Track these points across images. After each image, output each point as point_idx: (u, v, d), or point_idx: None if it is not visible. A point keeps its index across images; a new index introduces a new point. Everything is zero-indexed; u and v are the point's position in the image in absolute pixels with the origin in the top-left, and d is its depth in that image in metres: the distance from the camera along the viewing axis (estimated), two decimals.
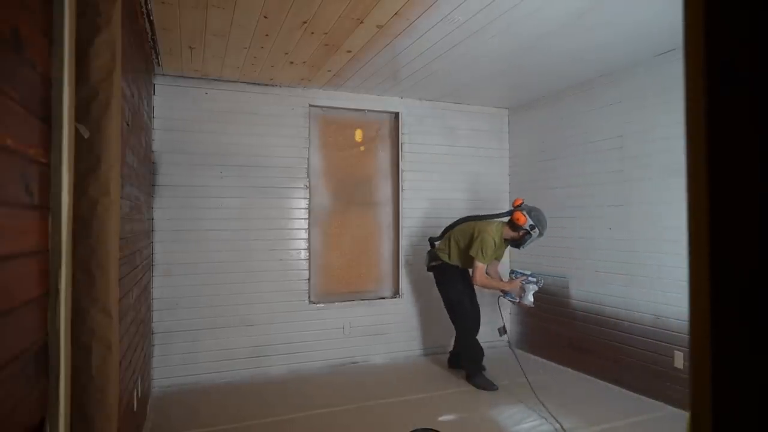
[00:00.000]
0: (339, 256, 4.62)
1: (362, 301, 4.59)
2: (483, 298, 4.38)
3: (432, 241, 4.24)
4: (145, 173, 3.21)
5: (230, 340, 4.09)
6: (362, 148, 4.78)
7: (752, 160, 0.37)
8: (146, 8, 2.70)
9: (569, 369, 4.27)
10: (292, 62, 3.68)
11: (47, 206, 1.12)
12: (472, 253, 3.74)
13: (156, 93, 3.92)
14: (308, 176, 4.41)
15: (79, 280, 1.31)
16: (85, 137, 1.33)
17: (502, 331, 3.88)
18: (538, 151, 4.77)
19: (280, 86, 4.31)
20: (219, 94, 4.13)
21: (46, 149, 1.10)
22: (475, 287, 4.00)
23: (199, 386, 3.88)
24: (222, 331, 4.07)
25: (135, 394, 2.49)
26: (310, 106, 4.45)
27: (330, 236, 4.59)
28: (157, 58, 3.54)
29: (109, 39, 1.38)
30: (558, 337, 4.43)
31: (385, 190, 4.81)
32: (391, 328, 4.64)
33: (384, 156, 4.82)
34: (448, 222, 4.88)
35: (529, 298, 3.79)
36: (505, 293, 3.88)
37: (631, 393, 3.66)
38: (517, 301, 3.84)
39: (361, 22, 2.92)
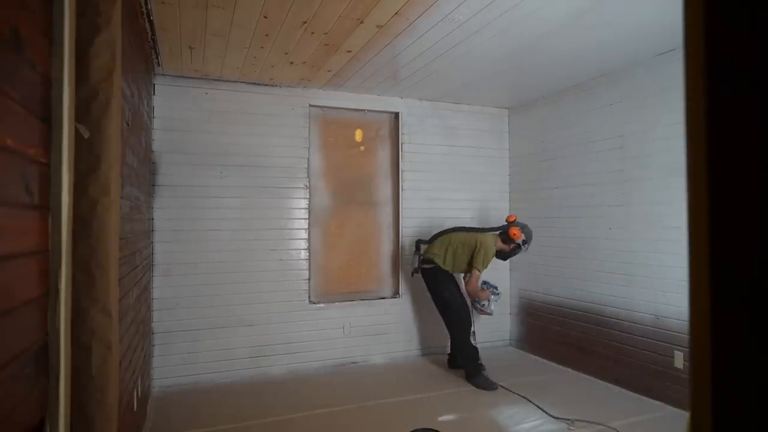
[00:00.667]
0: (339, 256, 4.62)
1: (362, 301, 4.59)
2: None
3: (419, 243, 4.32)
4: (145, 173, 3.21)
5: (230, 340, 4.09)
6: (362, 148, 4.78)
7: (752, 160, 0.37)
8: (146, 8, 2.70)
9: (569, 369, 4.27)
10: (292, 62, 3.68)
11: (47, 206, 1.12)
12: (476, 263, 3.94)
13: (156, 93, 3.92)
14: (308, 176, 4.41)
15: (79, 280, 1.31)
16: (85, 137, 1.33)
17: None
18: (538, 151, 4.77)
19: (280, 86, 4.31)
20: (219, 94, 4.13)
21: (46, 149, 1.10)
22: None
23: (199, 386, 3.88)
24: (222, 331, 4.07)
25: (135, 394, 2.49)
26: (310, 106, 4.45)
27: (330, 236, 4.59)
28: (157, 58, 3.54)
29: (109, 39, 1.38)
30: (558, 337, 4.43)
31: (385, 190, 4.81)
32: (391, 328, 4.64)
33: (384, 156, 4.82)
34: (449, 222, 4.90)
35: (492, 307, 4.16)
36: (477, 300, 4.15)
37: (631, 393, 3.66)
38: (483, 308, 4.15)
39: (361, 22, 2.92)
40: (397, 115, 4.78)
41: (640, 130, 3.70)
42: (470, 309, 4.16)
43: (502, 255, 4.13)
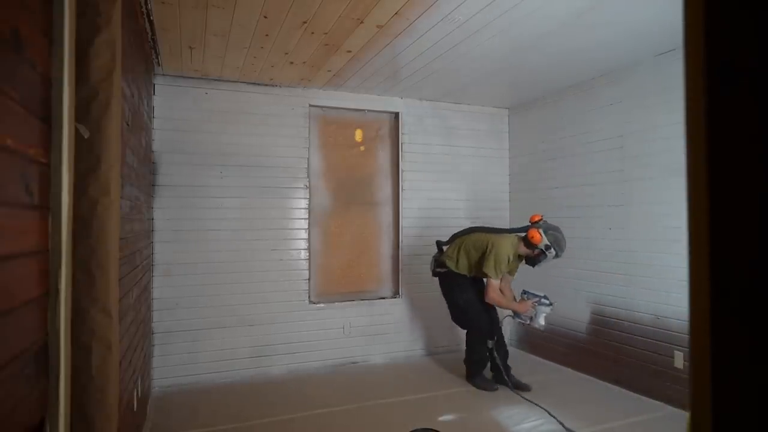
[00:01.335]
0: (339, 256, 4.62)
1: (362, 301, 4.59)
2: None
3: (440, 245, 4.03)
4: (145, 173, 3.21)
5: (230, 340, 4.09)
6: (362, 148, 4.78)
7: (752, 160, 0.37)
8: (146, 8, 2.70)
9: (569, 369, 4.27)
10: (292, 62, 3.68)
11: (47, 206, 1.12)
12: (486, 269, 3.59)
13: (156, 93, 3.92)
14: (308, 176, 4.41)
15: (79, 280, 1.31)
16: (85, 137, 1.33)
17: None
18: (538, 151, 4.77)
19: (280, 86, 4.31)
20: (219, 94, 4.13)
21: (46, 149, 1.10)
22: None
23: (200, 386, 3.88)
24: (222, 331, 4.07)
25: (135, 394, 2.49)
26: (310, 106, 4.45)
27: (330, 236, 4.59)
28: (157, 58, 3.54)
29: (109, 39, 1.38)
30: (558, 337, 4.43)
31: (385, 190, 4.81)
32: (391, 328, 4.64)
33: (384, 156, 4.82)
34: (449, 222, 4.90)
35: (540, 321, 3.63)
36: (515, 314, 3.74)
37: (631, 393, 3.66)
38: (527, 323, 3.70)
39: (361, 22, 2.92)
40: (397, 115, 4.78)
41: (640, 130, 3.70)
42: (495, 318, 3.83)
43: (529, 261, 3.68)
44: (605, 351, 3.94)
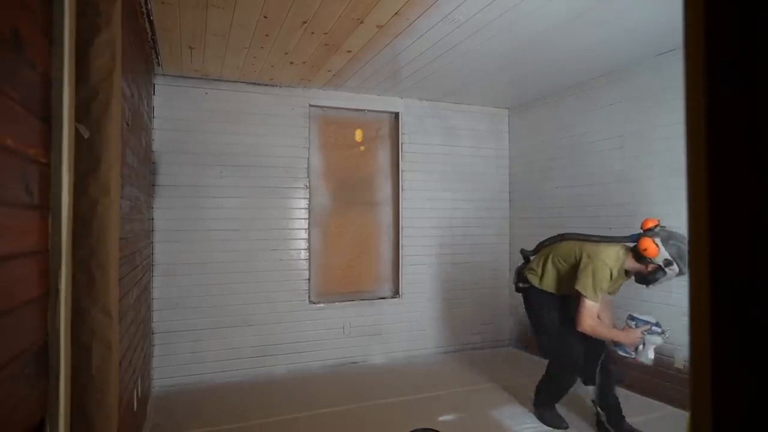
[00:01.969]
0: (339, 256, 4.62)
1: (362, 301, 4.59)
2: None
3: (525, 254, 3.33)
4: (145, 173, 3.21)
5: (231, 340, 4.09)
6: (362, 148, 4.78)
7: (752, 160, 0.37)
8: (146, 8, 2.70)
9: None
10: (292, 62, 3.68)
11: (47, 206, 1.12)
12: (579, 287, 2.81)
13: (156, 93, 3.92)
14: (308, 176, 4.41)
15: (79, 280, 1.31)
16: (85, 137, 1.33)
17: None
18: (538, 151, 4.77)
19: (280, 86, 4.31)
20: (219, 94, 4.13)
21: (46, 149, 1.10)
22: None
23: (200, 386, 3.88)
24: (222, 331, 4.07)
25: (135, 394, 2.49)
26: (310, 106, 4.45)
27: (330, 236, 4.59)
28: (157, 58, 3.54)
29: (109, 39, 1.38)
30: None
31: (385, 190, 4.81)
32: (391, 328, 4.64)
33: (384, 156, 4.82)
34: (449, 222, 4.90)
35: (649, 355, 2.81)
36: (617, 344, 2.90)
37: (631, 393, 3.66)
38: (632, 356, 2.88)
39: (361, 22, 2.92)
40: (397, 115, 4.78)
41: (640, 130, 3.70)
42: (596, 352, 2.99)
43: (640, 278, 2.81)
44: None
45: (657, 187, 3.56)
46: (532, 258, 3.30)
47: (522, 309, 5.00)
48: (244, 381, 4.01)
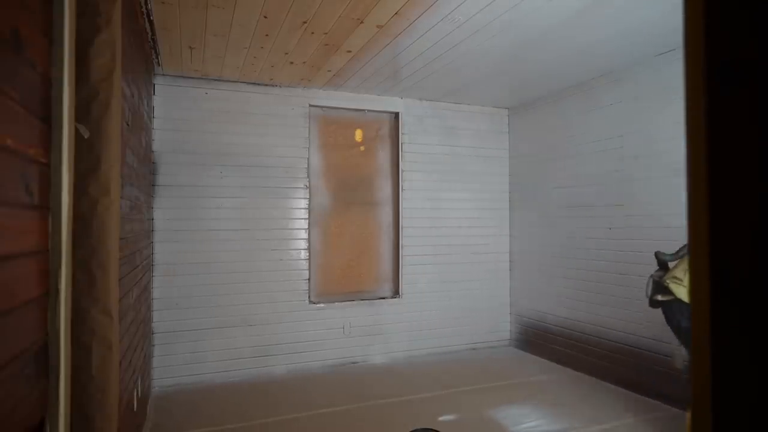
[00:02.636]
0: (339, 256, 4.62)
1: (362, 301, 4.59)
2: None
3: (662, 259, 2.78)
4: (145, 173, 3.21)
5: (231, 340, 4.09)
6: (362, 148, 4.78)
7: (752, 160, 0.37)
8: (146, 8, 2.70)
9: (569, 369, 4.27)
10: (292, 62, 3.68)
11: (47, 206, 1.12)
12: None
13: (156, 93, 3.92)
14: (308, 176, 4.41)
15: (79, 280, 1.31)
16: (85, 137, 1.33)
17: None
18: (538, 151, 4.77)
19: (280, 86, 4.31)
20: (219, 94, 4.13)
21: (46, 149, 1.10)
22: None
23: (200, 386, 3.88)
24: (222, 330, 4.07)
25: (135, 394, 2.49)
26: (310, 106, 4.45)
27: (330, 236, 4.59)
28: (157, 58, 3.54)
29: (109, 39, 1.38)
30: (558, 336, 4.43)
31: (385, 190, 4.81)
32: (391, 328, 4.64)
33: (384, 156, 4.82)
34: (449, 222, 4.90)
35: None
36: None
37: (632, 393, 3.66)
38: None
39: (361, 22, 2.92)
40: (397, 115, 4.78)
41: (640, 130, 3.70)
42: None
43: None
44: (605, 351, 3.94)
45: (657, 187, 3.56)
46: (671, 264, 2.75)
47: (522, 309, 5.01)
48: (244, 381, 4.01)
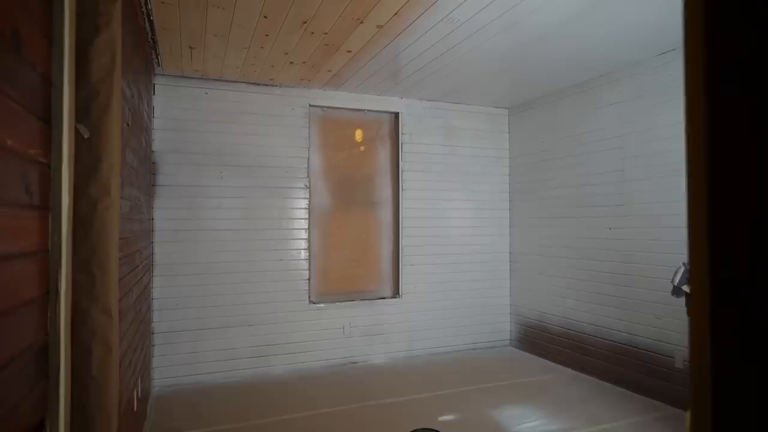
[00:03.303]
0: (339, 256, 4.62)
1: (362, 301, 4.59)
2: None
3: None
4: (145, 173, 3.21)
5: (231, 340, 4.09)
6: (362, 148, 4.78)
7: (752, 160, 0.37)
8: (146, 8, 2.70)
9: (569, 369, 4.27)
10: (292, 62, 3.68)
11: (47, 206, 1.12)
12: None
13: (156, 93, 3.92)
14: (308, 176, 4.41)
15: (79, 280, 1.31)
16: (85, 137, 1.33)
17: None
18: (538, 151, 4.77)
19: (280, 86, 4.31)
20: (219, 94, 4.13)
21: (46, 149, 1.10)
22: None
23: (200, 386, 3.88)
24: (222, 330, 4.07)
25: (135, 393, 2.49)
26: (310, 106, 4.45)
27: (330, 236, 4.59)
28: (157, 58, 3.54)
29: (109, 39, 1.38)
30: (558, 336, 4.43)
31: (385, 190, 4.81)
32: (391, 328, 4.64)
33: (384, 156, 4.82)
34: (449, 222, 4.90)
35: None
36: None
37: (631, 393, 3.66)
38: None
39: (361, 22, 2.92)
40: (397, 115, 4.78)
41: (640, 130, 3.70)
42: None
43: None
44: (605, 351, 3.94)
45: (657, 187, 3.56)
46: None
47: (522, 309, 5.01)
48: (244, 381, 4.01)
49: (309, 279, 4.39)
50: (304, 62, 3.67)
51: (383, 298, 4.71)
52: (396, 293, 4.76)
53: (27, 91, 0.98)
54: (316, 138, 4.54)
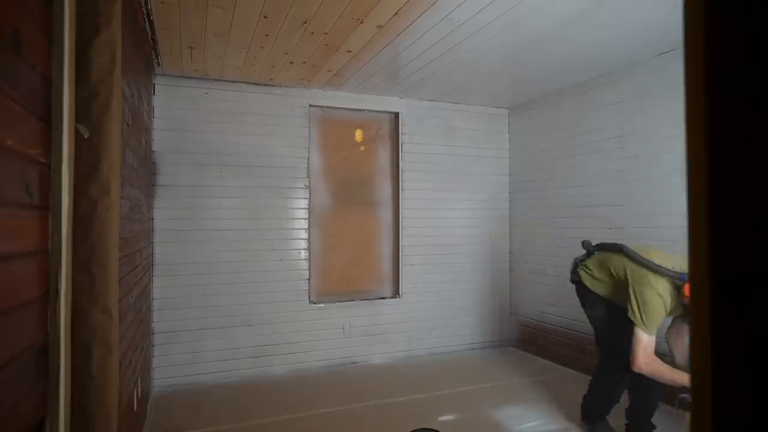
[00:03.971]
0: (339, 256, 4.62)
1: (362, 301, 4.59)
2: None
3: (587, 248, 3.05)
4: (145, 173, 3.21)
5: (231, 340, 4.09)
6: (362, 148, 4.78)
7: (752, 160, 0.37)
8: (146, 8, 2.70)
9: (569, 369, 4.26)
10: (292, 62, 3.67)
11: (47, 206, 1.12)
12: (630, 315, 2.54)
13: (156, 93, 3.92)
14: (308, 176, 4.41)
15: (79, 280, 1.31)
16: (85, 137, 1.33)
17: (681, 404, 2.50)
18: (538, 151, 4.77)
19: (280, 86, 4.31)
20: (219, 94, 4.13)
21: (46, 149, 1.10)
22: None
23: (200, 386, 3.88)
24: (222, 330, 4.07)
25: (135, 393, 2.49)
26: (310, 106, 4.45)
27: (330, 236, 4.59)
28: (157, 58, 3.54)
29: (109, 39, 1.37)
30: (558, 336, 4.43)
31: (385, 190, 4.81)
32: (391, 328, 4.64)
33: (384, 156, 4.82)
34: (449, 222, 4.90)
35: None
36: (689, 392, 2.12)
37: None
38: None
39: (361, 22, 2.92)
40: (396, 115, 4.78)
41: (640, 130, 3.70)
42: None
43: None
44: None
45: (657, 187, 3.56)
46: (594, 252, 3.00)
47: (522, 309, 5.02)
48: (244, 381, 4.01)
49: (309, 279, 4.39)
50: (304, 62, 3.67)
51: (383, 298, 4.71)
52: (396, 293, 4.76)
53: (27, 91, 0.98)
54: (316, 138, 4.54)
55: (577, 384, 3.91)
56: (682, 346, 2.73)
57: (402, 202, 4.74)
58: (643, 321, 2.48)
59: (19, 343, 0.95)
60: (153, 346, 3.84)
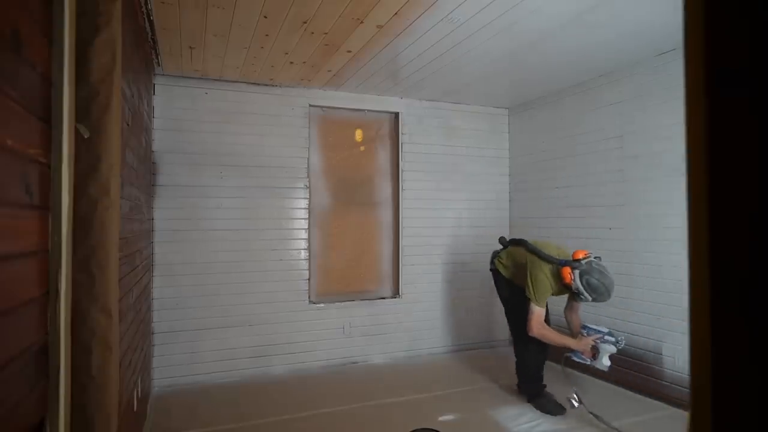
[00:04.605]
0: (339, 256, 4.62)
1: (362, 301, 4.59)
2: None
3: (502, 242, 3.73)
4: (145, 173, 3.21)
5: (231, 340, 4.09)
6: (362, 148, 4.78)
7: (752, 160, 0.37)
8: (146, 8, 2.70)
9: (569, 369, 4.26)
10: (292, 62, 3.67)
11: (47, 206, 1.12)
12: (528, 293, 3.22)
13: (156, 93, 3.92)
14: (308, 176, 4.41)
15: (79, 280, 1.31)
16: (85, 137, 1.33)
17: (573, 402, 3.18)
18: (538, 151, 4.77)
19: (280, 86, 4.31)
20: (219, 94, 4.13)
21: (46, 149, 1.10)
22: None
23: (200, 386, 3.88)
24: (222, 330, 4.07)
25: (135, 393, 2.49)
26: (310, 106, 4.45)
27: (330, 236, 4.59)
28: (157, 58, 3.54)
29: (109, 39, 1.37)
30: None
31: (385, 190, 4.81)
32: (391, 328, 4.64)
33: (384, 156, 4.82)
34: (449, 222, 4.90)
35: (604, 362, 3.12)
36: (572, 351, 3.26)
37: (631, 393, 3.66)
38: (588, 363, 3.21)
39: (361, 22, 2.92)
40: (396, 115, 4.78)
41: (640, 130, 3.70)
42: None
43: (576, 296, 3.18)
44: None
45: (657, 187, 3.56)
46: (508, 246, 3.69)
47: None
48: (244, 381, 4.01)
49: (309, 279, 4.39)
50: (304, 62, 3.67)
51: (383, 298, 4.71)
52: (396, 293, 4.76)
53: (27, 91, 0.98)
54: (316, 138, 4.54)
55: (577, 384, 3.91)
56: (576, 319, 3.47)
57: (402, 202, 4.74)
58: (535, 296, 3.19)
59: (19, 343, 0.95)
60: (153, 346, 3.84)
